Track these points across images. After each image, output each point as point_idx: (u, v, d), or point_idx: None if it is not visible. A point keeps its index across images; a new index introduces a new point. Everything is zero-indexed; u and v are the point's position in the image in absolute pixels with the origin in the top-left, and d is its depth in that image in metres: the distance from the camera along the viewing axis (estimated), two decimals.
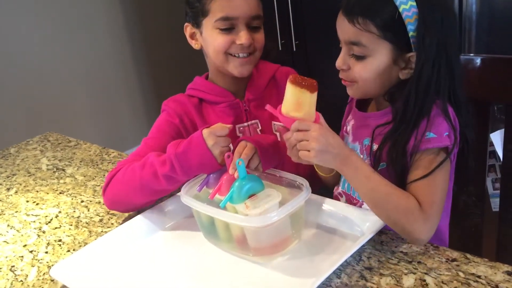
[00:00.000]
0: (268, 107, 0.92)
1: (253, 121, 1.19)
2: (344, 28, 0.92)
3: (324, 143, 0.85)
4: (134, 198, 1.05)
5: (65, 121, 3.01)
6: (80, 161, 1.50)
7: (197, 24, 1.13)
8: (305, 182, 0.92)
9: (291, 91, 0.87)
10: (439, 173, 0.89)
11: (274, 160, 1.01)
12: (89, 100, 3.18)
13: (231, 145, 0.99)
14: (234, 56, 1.11)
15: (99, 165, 1.46)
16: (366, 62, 0.92)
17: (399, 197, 0.87)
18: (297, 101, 0.88)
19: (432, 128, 0.89)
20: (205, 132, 0.96)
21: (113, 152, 1.54)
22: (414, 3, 0.87)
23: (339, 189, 1.10)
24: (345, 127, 1.12)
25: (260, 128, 1.19)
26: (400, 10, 0.87)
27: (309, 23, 2.42)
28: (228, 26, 1.08)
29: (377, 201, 0.89)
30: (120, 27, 3.25)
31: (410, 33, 0.88)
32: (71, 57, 3.03)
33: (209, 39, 1.12)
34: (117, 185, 1.05)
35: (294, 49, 2.48)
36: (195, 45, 1.18)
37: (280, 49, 2.48)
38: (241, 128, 1.18)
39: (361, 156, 1.02)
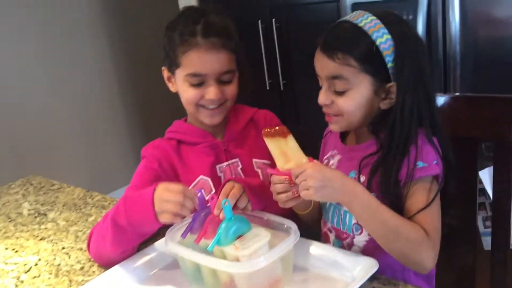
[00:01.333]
0: (269, 170, 0.95)
1: (233, 160, 1.19)
2: (324, 64, 0.94)
3: (321, 179, 0.85)
4: (108, 251, 1.01)
5: (50, 162, 2.96)
6: (63, 205, 1.46)
7: (171, 72, 1.15)
8: (293, 225, 0.90)
9: (269, 145, 0.92)
10: (435, 199, 0.92)
11: (263, 200, 1.00)
12: (75, 141, 3.15)
13: (211, 188, 0.99)
14: (204, 107, 1.13)
15: (82, 209, 1.42)
16: (348, 95, 0.94)
17: (409, 229, 0.88)
18: (280, 152, 0.91)
19: (422, 157, 0.91)
20: (158, 192, 0.92)
21: (97, 196, 1.50)
22: (390, 36, 0.91)
23: (327, 225, 1.08)
24: (326, 162, 1.11)
25: (240, 166, 1.19)
26: (377, 43, 0.90)
27: (296, 62, 2.45)
28: (198, 82, 1.09)
29: (388, 235, 0.89)
30: (108, 65, 3.26)
31: (389, 64, 0.92)
32: (55, 97, 3.01)
33: (180, 89, 1.14)
34: (94, 240, 1.05)
35: (282, 89, 2.49)
36: (171, 88, 1.19)
37: (268, 88, 2.50)
38: (222, 168, 1.18)
39: None
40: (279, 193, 0.94)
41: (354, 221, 1.00)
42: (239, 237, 0.87)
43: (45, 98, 2.96)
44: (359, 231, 1.00)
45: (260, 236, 0.87)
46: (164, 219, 0.90)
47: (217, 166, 1.17)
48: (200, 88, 1.10)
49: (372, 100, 0.95)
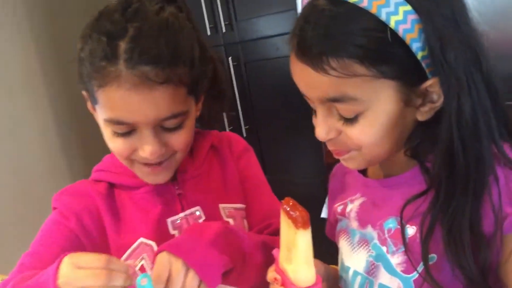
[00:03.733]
0: (275, 251, 0.68)
1: (192, 209, 0.82)
2: (311, 81, 0.60)
3: None
4: None
5: None
6: None
7: (93, 104, 0.76)
8: None
9: (281, 223, 0.65)
10: None
11: (222, 261, 0.70)
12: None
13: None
14: (141, 163, 0.76)
15: None
16: (364, 121, 0.61)
17: None
18: (287, 242, 0.65)
19: None
20: (64, 274, 0.59)
21: None
22: (409, 7, 0.57)
23: None
24: (341, 208, 0.77)
25: (203, 218, 0.82)
26: (392, 25, 0.56)
27: (259, 105, 2.17)
28: (125, 130, 0.72)
29: None
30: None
31: (419, 54, 0.58)
32: None
33: (104, 134, 0.76)
34: None
35: (245, 135, 2.18)
36: (98, 120, 0.80)
37: None
38: (177, 222, 0.81)
39: (383, 248, 0.67)
40: None
41: None
42: None
43: None
44: None
45: None
46: None
47: (169, 220, 0.80)
48: (130, 137, 0.72)
49: (404, 114, 0.62)
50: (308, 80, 0.61)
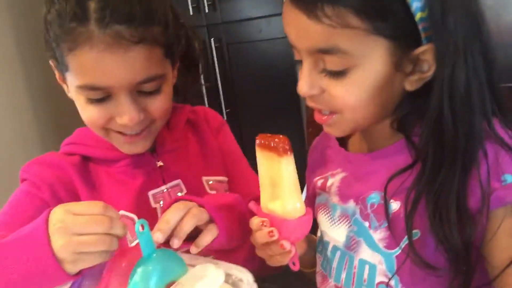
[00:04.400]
0: (251, 205, 0.64)
1: (174, 182, 0.79)
2: (302, 28, 0.57)
3: None
4: None
5: None
6: None
7: (60, 72, 0.71)
8: (246, 277, 0.60)
9: (259, 161, 0.62)
10: None
11: (237, 233, 0.67)
12: None
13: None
14: (118, 132, 0.72)
15: None
16: (350, 79, 0.57)
17: None
18: (269, 179, 0.62)
19: (505, 166, 0.55)
20: (59, 222, 0.55)
21: None
22: None
23: (329, 283, 0.71)
24: (321, 182, 0.75)
25: (185, 191, 0.79)
26: None
27: (240, 88, 2.14)
28: (100, 96, 0.67)
29: None
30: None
31: (418, 15, 0.55)
32: None
33: (76, 103, 0.71)
34: None
35: (225, 118, 2.14)
36: (68, 92, 0.75)
37: None
38: (158, 195, 0.77)
39: (365, 223, 0.65)
40: (260, 245, 0.62)
41: (381, 278, 0.63)
42: (170, 285, 0.57)
43: None
44: None
45: (208, 277, 0.57)
46: (80, 266, 0.55)
47: (150, 193, 0.77)
48: (106, 104, 0.68)
49: (392, 79, 0.58)
50: (300, 27, 0.57)
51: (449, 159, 0.56)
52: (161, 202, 0.77)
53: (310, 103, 0.62)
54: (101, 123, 0.70)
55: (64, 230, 0.54)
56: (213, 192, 0.82)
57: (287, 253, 0.62)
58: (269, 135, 0.61)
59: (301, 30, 0.57)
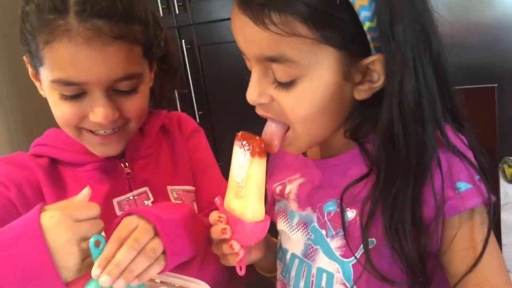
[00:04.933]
0: (216, 198, 0.63)
1: (140, 190, 0.77)
2: (250, 36, 0.56)
3: None
4: None
5: None
6: None
7: (35, 69, 0.70)
8: None
9: (233, 158, 0.62)
10: (492, 242, 0.56)
11: (188, 246, 0.64)
12: None
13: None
14: (91, 131, 0.70)
15: None
16: (299, 89, 0.56)
17: None
18: (238, 176, 0.62)
19: (457, 174, 0.55)
20: (51, 214, 0.53)
21: None
22: None
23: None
24: (279, 189, 0.74)
25: (151, 199, 0.77)
26: None
27: (213, 90, 2.11)
28: (75, 93, 0.66)
29: None
30: None
31: (366, 24, 0.54)
32: None
33: (49, 99, 0.70)
34: None
35: (198, 120, 2.12)
36: (40, 90, 0.74)
37: None
38: (124, 203, 0.76)
39: (322, 231, 0.64)
40: (215, 242, 0.61)
41: (338, 286, 0.62)
42: None
43: None
44: None
45: None
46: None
47: (115, 201, 0.75)
48: (80, 101, 0.67)
49: (342, 89, 0.57)
50: (247, 34, 0.56)
51: (402, 170, 0.56)
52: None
53: (260, 112, 0.61)
54: (74, 121, 0.68)
55: (74, 239, 0.53)
56: (178, 202, 0.80)
57: (235, 255, 0.61)
58: (249, 134, 0.61)
59: (249, 37, 0.56)
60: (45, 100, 0.73)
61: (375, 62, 0.56)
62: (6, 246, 0.52)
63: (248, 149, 0.60)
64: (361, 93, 0.58)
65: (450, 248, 0.57)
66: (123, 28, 0.65)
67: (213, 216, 0.62)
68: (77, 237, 0.53)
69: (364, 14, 0.53)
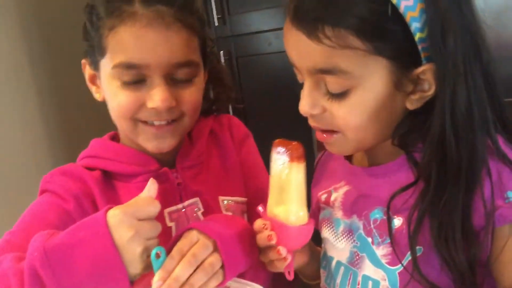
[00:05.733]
0: (259, 207, 0.65)
1: (191, 200, 0.78)
2: (303, 49, 0.58)
3: None
4: None
5: None
6: None
7: (95, 66, 0.74)
8: None
9: (272, 166, 0.64)
10: None
11: (244, 260, 0.64)
12: None
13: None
14: (146, 123, 0.72)
15: None
16: (351, 99, 0.58)
17: None
18: (278, 183, 0.63)
19: (509, 183, 0.55)
20: (115, 213, 0.55)
21: None
22: None
23: None
24: (324, 197, 0.75)
25: (202, 210, 0.78)
26: (394, 0, 0.54)
27: (249, 101, 2.14)
28: (135, 79, 0.69)
29: None
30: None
31: (418, 35, 0.55)
32: None
33: (107, 92, 0.73)
34: None
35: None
36: (96, 94, 0.77)
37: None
38: (174, 214, 0.77)
39: (368, 239, 0.65)
40: (262, 249, 0.63)
41: None
42: None
43: None
44: None
45: None
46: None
47: (166, 211, 0.76)
48: (139, 89, 0.70)
49: (393, 98, 0.59)
50: (300, 48, 0.58)
51: (453, 178, 0.56)
52: (174, 224, 0.76)
53: (312, 123, 0.63)
54: (131, 110, 0.71)
55: (126, 218, 0.56)
56: (228, 213, 0.80)
57: (283, 260, 0.62)
58: (286, 140, 0.63)
59: (302, 51, 0.58)
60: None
61: (426, 71, 0.57)
62: (79, 246, 0.55)
63: (286, 155, 0.62)
64: (413, 102, 0.60)
65: (500, 259, 0.56)
66: (184, 14, 0.70)
67: (258, 223, 0.64)
68: (139, 236, 0.55)
69: (415, 25, 0.55)
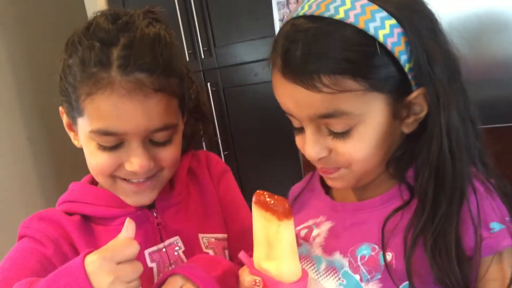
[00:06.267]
0: (242, 256, 0.63)
1: (171, 240, 0.77)
2: (302, 99, 0.59)
3: None
4: None
5: None
6: None
7: (73, 120, 0.72)
8: None
9: (255, 219, 0.61)
10: None
11: None
12: None
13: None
14: (125, 180, 0.72)
15: None
16: (355, 136, 0.60)
17: None
18: (265, 237, 0.60)
19: (491, 214, 0.58)
20: (92, 259, 0.54)
21: None
22: (393, 21, 0.58)
23: None
24: (304, 232, 0.74)
25: (182, 248, 0.77)
26: (381, 39, 0.57)
27: (238, 131, 2.15)
28: (113, 144, 0.68)
29: None
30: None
31: (407, 66, 0.58)
32: None
33: (86, 149, 0.72)
34: None
35: (224, 160, 2.15)
36: (74, 140, 0.76)
37: None
38: (155, 254, 0.75)
39: (356, 276, 0.64)
40: None
41: None
42: None
43: None
44: None
45: None
46: None
47: (147, 252, 0.74)
48: (117, 151, 0.68)
49: (392, 127, 0.62)
50: (298, 99, 0.59)
51: (448, 198, 0.58)
52: (155, 265, 0.75)
53: (319, 165, 0.64)
54: (110, 170, 0.70)
55: (105, 263, 0.54)
56: (209, 251, 0.79)
57: None
58: (267, 193, 0.60)
59: (301, 101, 0.59)
60: (77, 151, 0.75)
61: (417, 96, 0.60)
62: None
63: (273, 213, 0.59)
64: (409, 126, 0.63)
65: (484, 279, 0.58)
66: (163, 81, 0.67)
67: (248, 279, 0.63)
68: (119, 281, 0.54)
69: (403, 58, 0.58)
